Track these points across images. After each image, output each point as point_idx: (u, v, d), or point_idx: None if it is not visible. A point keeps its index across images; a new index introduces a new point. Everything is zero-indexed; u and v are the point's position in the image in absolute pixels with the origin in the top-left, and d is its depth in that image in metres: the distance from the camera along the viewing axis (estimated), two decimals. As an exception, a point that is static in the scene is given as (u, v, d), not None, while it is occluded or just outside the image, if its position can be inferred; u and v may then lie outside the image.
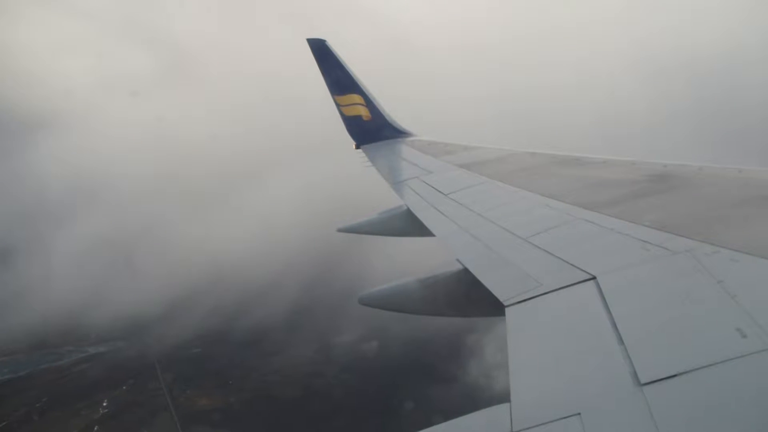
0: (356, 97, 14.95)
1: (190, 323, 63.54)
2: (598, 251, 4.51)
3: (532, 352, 3.41)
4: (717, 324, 2.93)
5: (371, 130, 15.05)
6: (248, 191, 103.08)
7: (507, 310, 3.94)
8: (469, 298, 5.36)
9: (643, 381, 2.59)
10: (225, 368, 56.23)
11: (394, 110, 15.31)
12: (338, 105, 15.02)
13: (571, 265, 4.28)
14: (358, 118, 15.04)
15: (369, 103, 14.99)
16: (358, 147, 14.97)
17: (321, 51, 14.60)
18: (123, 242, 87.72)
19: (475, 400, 47.45)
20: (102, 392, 53.57)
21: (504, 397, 2.89)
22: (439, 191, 8.48)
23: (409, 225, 8.47)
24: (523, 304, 3.96)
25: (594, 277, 3.93)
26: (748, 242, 3.77)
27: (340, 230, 10.73)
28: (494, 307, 4.17)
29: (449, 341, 54.57)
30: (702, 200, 5.32)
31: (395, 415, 45.19)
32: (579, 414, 2.53)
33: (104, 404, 51.94)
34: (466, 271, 5.22)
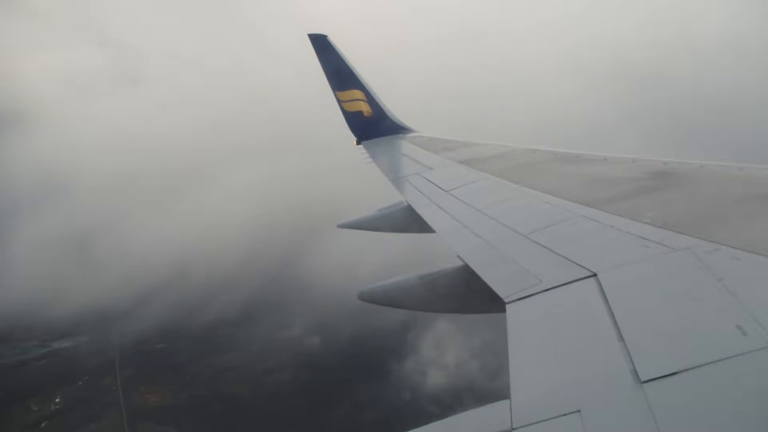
0: (357, 93, 14.92)
1: (153, 318, 64.19)
2: (598, 248, 4.51)
3: (532, 348, 3.42)
4: (717, 322, 2.94)
5: (372, 125, 15.03)
6: (206, 188, 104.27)
7: (507, 306, 3.95)
8: (470, 294, 5.36)
9: (643, 378, 2.59)
10: (183, 364, 56.75)
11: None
12: (339, 100, 15.00)
13: (572, 262, 4.28)
14: (359, 113, 15.01)
15: (370, 98, 14.96)
16: (358, 143, 14.95)
17: (322, 46, 14.57)
18: (88, 237, 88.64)
19: (414, 394, 50.11)
20: (57, 388, 53.91)
21: (504, 394, 2.90)
22: (440, 187, 8.48)
23: (410, 221, 8.47)
24: (523, 300, 3.96)
25: (594, 274, 3.93)
26: (748, 240, 3.77)
27: (340, 226, 10.73)
28: (494, 304, 4.18)
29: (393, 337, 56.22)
30: (702, 198, 5.32)
31: (341, 412, 46.59)
32: (579, 411, 2.54)
33: (57, 400, 52.31)
34: (466, 267, 5.23)
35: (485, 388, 48.35)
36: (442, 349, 56.88)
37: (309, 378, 52.91)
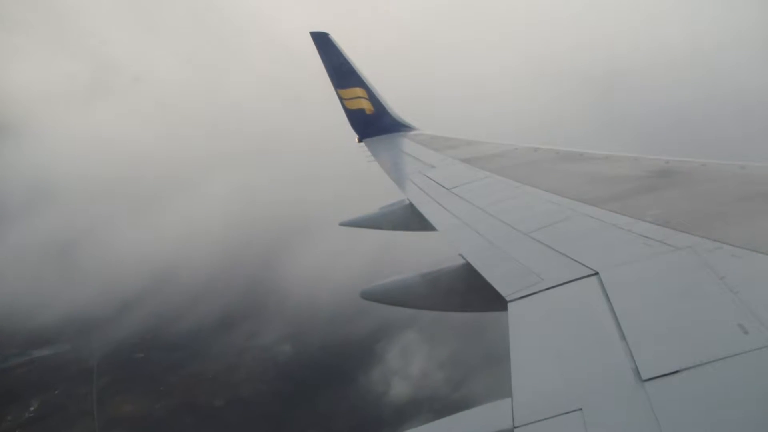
0: (359, 91, 14.92)
1: (135, 325, 64.55)
2: (600, 247, 4.52)
3: (533, 347, 3.42)
4: (719, 320, 2.94)
5: (374, 123, 15.03)
6: (186, 195, 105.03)
7: (509, 305, 3.95)
8: (471, 292, 5.37)
9: (644, 377, 2.60)
10: (161, 373, 56.93)
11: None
12: (341, 98, 15.00)
13: (574, 260, 4.29)
14: (361, 111, 15.01)
15: (372, 96, 14.96)
16: (360, 140, 14.95)
17: (324, 44, 14.57)
18: (71, 245, 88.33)
19: (377, 403, 50.97)
20: (33, 396, 53.97)
21: (505, 392, 2.91)
22: (442, 186, 8.48)
23: (412, 219, 8.47)
24: (525, 299, 3.97)
25: (596, 273, 3.94)
26: (749, 238, 3.77)
27: (342, 224, 10.72)
28: (496, 302, 4.19)
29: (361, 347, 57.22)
30: (704, 196, 5.32)
31: (312, 420, 47.22)
32: (580, 409, 2.55)
33: (31, 408, 52.30)
34: (468, 265, 5.23)
35: (449, 398, 49.17)
36: (409, 359, 57.83)
37: (281, 387, 53.55)
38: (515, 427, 2.60)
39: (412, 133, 14.71)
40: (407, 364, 56.92)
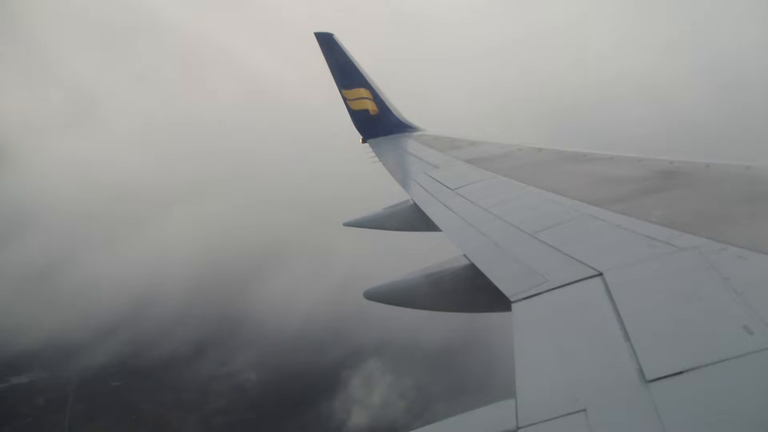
0: (363, 91, 14.93)
1: (112, 352, 64.56)
2: (604, 247, 4.51)
3: (537, 347, 3.42)
4: (723, 321, 2.94)
5: (378, 124, 15.04)
6: (163, 220, 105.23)
7: (513, 305, 3.95)
8: (475, 293, 5.37)
9: (649, 377, 2.60)
10: (136, 401, 56.97)
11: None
12: (345, 99, 15.01)
13: (578, 261, 4.29)
14: (365, 112, 15.03)
15: (376, 97, 14.97)
16: (364, 141, 14.97)
17: (328, 45, 14.59)
18: (49, 272, 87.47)
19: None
20: (5, 424, 53.53)
21: (509, 393, 2.91)
22: (446, 186, 8.48)
23: (415, 220, 8.48)
24: (529, 299, 3.97)
25: (600, 274, 3.94)
26: (755, 240, 3.76)
27: (346, 224, 10.74)
28: (500, 303, 4.19)
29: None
30: (709, 197, 5.31)
31: None
32: (584, 410, 2.55)
33: None
34: (472, 266, 5.23)
35: (409, 426, 49.26)
36: (372, 387, 58.48)
37: (246, 416, 54.07)
38: (519, 428, 2.60)
39: (416, 133, 14.71)
40: (369, 392, 57.90)
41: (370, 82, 14.91)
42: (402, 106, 15.50)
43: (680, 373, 2.55)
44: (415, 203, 8.65)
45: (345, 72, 14.77)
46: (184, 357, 63.37)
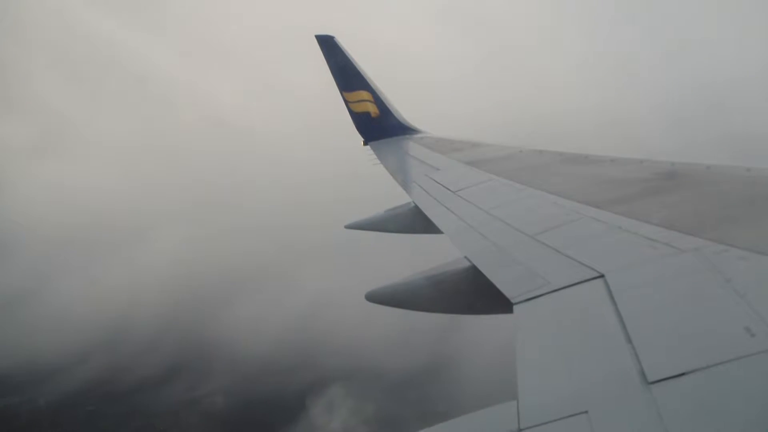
0: (364, 94, 14.96)
1: (88, 377, 63.69)
2: (606, 249, 4.51)
3: (539, 349, 3.43)
4: (725, 323, 2.93)
5: (379, 126, 15.06)
6: (138, 246, 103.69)
7: (515, 307, 3.95)
8: (477, 295, 5.38)
9: (650, 379, 2.59)
10: (110, 426, 56.03)
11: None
12: (346, 101, 15.04)
13: (579, 263, 4.29)
14: (367, 114, 15.05)
15: (377, 99, 15.00)
16: (365, 144, 14.99)
17: (329, 47, 14.62)
18: (23, 296, 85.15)
19: None
20: None
21: (511, 395, 2.91)
22: (447, 188, 8.49)
23: (417, 222, 8.49)
24: (530, 301, 3.97)
25: (602, 275, 3.94)
26: (756, 241, 3.76)
27: (347, 227, 10.76)
28: (502, 305, 4.19)
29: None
30: (710, 199, 5.31)
31: None
32: (586, 412, 2.55)
33: None
34: (473, 268, 5.24)
35: None
36: (332, 413, 57.55)
37: None
38: (521, 430, 2.60)
39: (418, 136, 14.73)
40: (331, 419, 57.33)
41: (371, 84, 14.94)
42: (402, 108, 15.53)
43: (682, 374, 2.54)
44: (416, 205, 8.66)
45: (346, 74, 14.80)
46: (157, 382, 62.82)
